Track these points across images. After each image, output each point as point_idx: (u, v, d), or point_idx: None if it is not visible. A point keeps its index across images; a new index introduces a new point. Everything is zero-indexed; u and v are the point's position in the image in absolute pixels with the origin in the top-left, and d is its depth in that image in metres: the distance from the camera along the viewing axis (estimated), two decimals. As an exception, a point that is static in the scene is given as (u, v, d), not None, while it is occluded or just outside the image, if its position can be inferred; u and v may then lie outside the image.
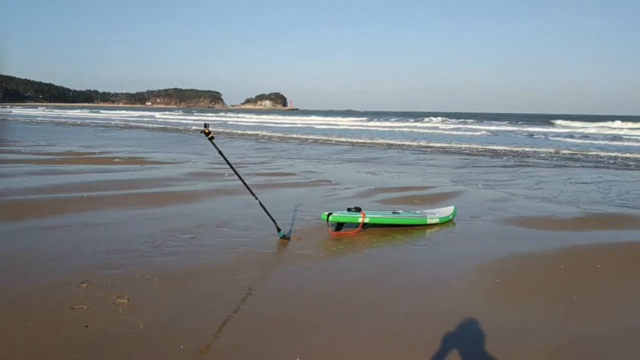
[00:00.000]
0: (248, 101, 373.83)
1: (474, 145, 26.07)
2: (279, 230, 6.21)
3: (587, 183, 13.09)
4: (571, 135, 36.90)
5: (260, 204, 6.12)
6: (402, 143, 27.02)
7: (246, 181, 6.27)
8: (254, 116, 75.64)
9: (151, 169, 13.45)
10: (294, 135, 31.91)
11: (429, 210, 8.08)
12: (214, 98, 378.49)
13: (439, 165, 16.88)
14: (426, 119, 63.22)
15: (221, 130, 37.92)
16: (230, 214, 7.82)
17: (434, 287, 4.89)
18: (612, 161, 19.62)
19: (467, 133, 38.82)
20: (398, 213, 7.46)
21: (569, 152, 22.90)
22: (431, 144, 26.51)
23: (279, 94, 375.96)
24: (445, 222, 7.71)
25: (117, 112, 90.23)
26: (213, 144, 5.76)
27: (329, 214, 6.71)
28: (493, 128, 46.81)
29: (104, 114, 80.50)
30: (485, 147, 25.41)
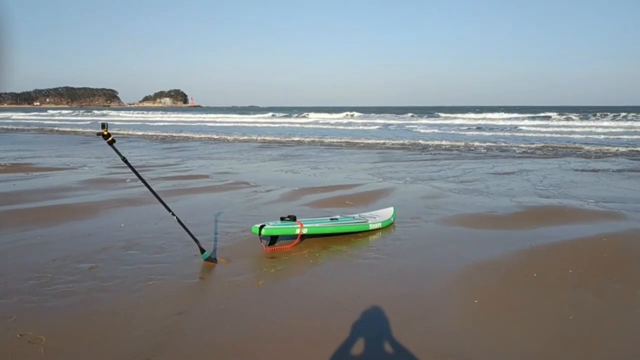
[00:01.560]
0: (147, 99, 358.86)
1: (382, 140, 25.91)
2: (202, 251, 5.09)
3: (509, 173, 12.97)
4: (476, 127, 38.12)
5: (178, 220, 4.97)
6: (312, 139, 26.27)
7: (154, 187, 5.07)
8: (158, 115, 72.12)
9: (40, 177, 11.61)
10: (201, 135, 30.14)
11: (367, 214, 7.28)
12: (109, 96, 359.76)
13: (357, 161, 16.25)
14: (333, 115, 63.23)
15: (117, 131, 35.26)
16: (138, 230, 6.54)
17: (409, 318, 4.00)
18: (518, 150, 20.08)
19: (371, 128, 38.81)
20: (336, 219, 6.57)
21: (478, 143, 23.28)
22: (343, 139, 26.01)
23: (179, 90, 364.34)
24: (387, 226, 6.95)
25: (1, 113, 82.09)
26: (113, 148, 4.53)
27: (261, 226, 5.68)
28: (383, 121, 47.42)
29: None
30: (393, 141, 25.32)
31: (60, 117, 66.35)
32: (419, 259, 5.50)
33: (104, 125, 4.37)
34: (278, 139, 27.12)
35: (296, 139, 26.82)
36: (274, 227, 5.76)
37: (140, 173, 4.87)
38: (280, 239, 6.02)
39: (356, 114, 60.81)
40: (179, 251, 5.57)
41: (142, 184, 4.92)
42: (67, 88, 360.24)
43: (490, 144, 22.99)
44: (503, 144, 22.67)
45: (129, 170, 4.98)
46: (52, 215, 7.38)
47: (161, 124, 45.15)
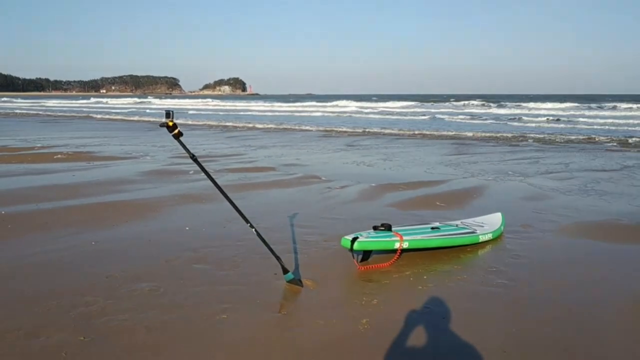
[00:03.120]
0: (206, 87, 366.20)
1: (452, 132, 24.34)
2: (285, 271, 4.07)
3: (608, 170, 11.34)
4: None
5: (257, 233, 3.97)
6: (380, 131, 24.95)
7: (218, 180, 4.09)
8: (217, 102, 72.69)
9: (101, 167, 11.03)
10: (263, 125, 29.41)
11: (470, 220, 6.10)
12: (171, 84, 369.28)
13: (431, 153, 14.92)
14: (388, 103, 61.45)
15: (181, 121, 35.20)
16: (204, 235, 5.63)
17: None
18: (608, 143, 18.11)
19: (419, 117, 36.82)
20: (438, 228, 5.43)
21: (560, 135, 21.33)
22: (403, 131, 24.56)
23: (237, 79, 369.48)
24: (498, 237, 5.75)
25: (70, 101, 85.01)
26: (180, 142, 3.57)
27: (354, 239, 4.61)
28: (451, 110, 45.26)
29: (54, 103, 75.77)
30: (467, 133, 23.70)
31: (124, 103, 67.87)
32: (561, 287, 4.28)
33: (168, 114, 3.41)
34: (342, 129, 26.00)
35: (353, 130, 25.63)
36: (368, 239, 4.68)
37: (203, 164, 3.89)
38: (374, 252, 4.94)
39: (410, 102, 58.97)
40: (255, 266, 4.60)
41: (209, 179, 3.93)
42: (131, 76, 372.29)
43: (565, 135, 21.02)
44: (579, 137, 20.65)
45: (200, 158, 4.02)
46: (110, 213, 6.61)
47: (222, 113, 44.83)
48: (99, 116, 38.55)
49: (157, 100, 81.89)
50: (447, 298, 3.97)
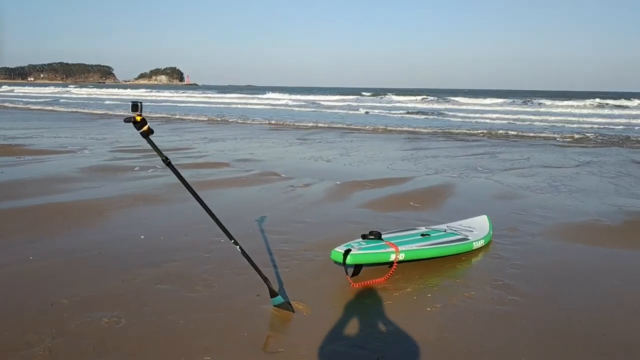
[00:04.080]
0: (142, 76, 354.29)
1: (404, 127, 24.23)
2: (273, 294, 3.43)
3: (566, 167, 11.33)
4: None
5: (243, 252, 3.30)
6: (330, 125, 24.41)
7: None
8: (153, 93, 69.95)
9: (33, 162, 9.91)
10: (207, 117, 28.14)
11: (457, 224, 5.65)
12: (104, 73, 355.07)
13: (386, 148, 14.53)
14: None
15: (117, 112, 33.37)
16: (164, 247, 4.88)
17: None
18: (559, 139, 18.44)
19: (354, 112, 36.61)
20: (428, 235, 4.93)
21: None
22: (352, 125, 24.19)
23: (175, 68, 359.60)
24: (489, 243, 5.33)
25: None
26: (149, 141, 2.86)
27: (346, 252, 4.02)
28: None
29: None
30: (398, 128, 23.63)
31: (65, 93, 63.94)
32: (584, 301, 3.86)
33: (136, 106, 2.69)
34: (290, 122, 25.33)
35: (309, 123, 25.04)
36: (362, 252, 4.10)
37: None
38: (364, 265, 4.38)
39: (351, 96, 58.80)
40: (232, 285, 3.92)
41: (188, 189, 3.20)
42: (61, 64, 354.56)
43: (506, 131, 21.33)
44: (529, 133, 21.02)
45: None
46: (49, 219, 5.71)
47: (164, 104, 42.83)
48: (11, 105, 35.90)
49: (78, 90, 75.80)
50: (461, 322, 3.45)
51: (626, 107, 41.72)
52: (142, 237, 5.13)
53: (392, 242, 4.36)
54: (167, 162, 2.96)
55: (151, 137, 2.84)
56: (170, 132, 17.94)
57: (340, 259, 4.00)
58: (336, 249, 4.09)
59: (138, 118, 2.68)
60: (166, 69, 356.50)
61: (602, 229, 6.11)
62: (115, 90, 78.22)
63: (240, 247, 3.24)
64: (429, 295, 3.92)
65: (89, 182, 7.89)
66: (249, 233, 5.40)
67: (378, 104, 46.23)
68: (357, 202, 7.26)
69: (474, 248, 4.98)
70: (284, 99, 52.53)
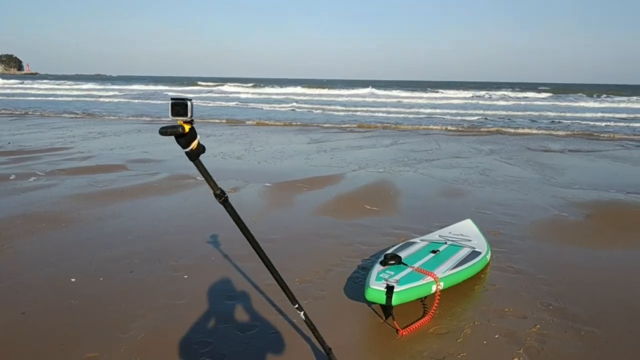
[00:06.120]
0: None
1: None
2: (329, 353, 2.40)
3: (468, 157, 11.36)
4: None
5: (307, 321, 2.22)
6: (208, 120, 22.84)
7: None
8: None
9: None
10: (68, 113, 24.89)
11: (446, 233, 4.98)
12: None
13: (282, 141, 13.61)
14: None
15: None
16: (110, 294, 3.54)
17: None
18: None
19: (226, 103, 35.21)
20: (438, 251, 4.16)
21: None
22: (230, 117, 22.99)
23: (11, 56, 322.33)
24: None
25: None
26: (199, 165, 1.68)
27: (389, 289, 3.08)
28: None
29: None
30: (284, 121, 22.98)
31: None
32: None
33: (183, 107, 1.49)
34: (157, 116, 23.23)
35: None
36: (407, 288, 3.18)
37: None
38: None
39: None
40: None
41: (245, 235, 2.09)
42: None
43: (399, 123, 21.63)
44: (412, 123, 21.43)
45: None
46: None
47: (19, 98, 37.04)
48: None
49: None
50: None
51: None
52: (73, 280, 3.72)
53: (423, 268, 3.51)
54: (224, 200, 1.77)
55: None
56: (31, 129, 15.24)
57: (383, 300, 3.06)
58: (372, 286, 3.14)
59: (187, 127, 1.50)
60: (1, 56, 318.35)
61: (574, 227, 5.83)
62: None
63: (304, 314, 2.16)
64: (468, 332, 3.13)
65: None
66: (213, 263, 4.21)
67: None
68: (308, 208, 6.32)
69: (488, 261, 4.32)
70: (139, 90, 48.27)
